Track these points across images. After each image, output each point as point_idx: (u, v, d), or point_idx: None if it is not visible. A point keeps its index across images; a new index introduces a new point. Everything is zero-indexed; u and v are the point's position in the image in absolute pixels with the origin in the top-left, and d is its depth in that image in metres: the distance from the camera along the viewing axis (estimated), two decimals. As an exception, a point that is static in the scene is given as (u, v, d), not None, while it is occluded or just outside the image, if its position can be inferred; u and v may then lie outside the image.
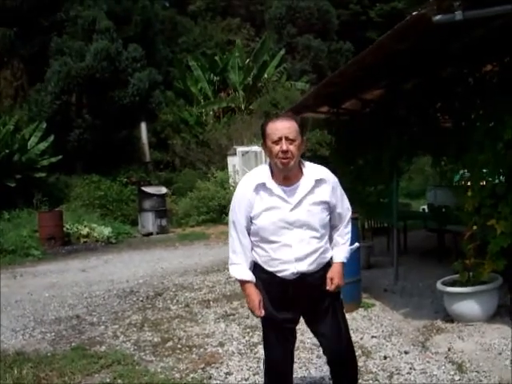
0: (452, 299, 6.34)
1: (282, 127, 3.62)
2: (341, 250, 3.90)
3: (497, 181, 6.54)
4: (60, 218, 16.51)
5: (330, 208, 3.79)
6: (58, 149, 22.59)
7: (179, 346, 6.40)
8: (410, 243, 11.32)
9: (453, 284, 6.40)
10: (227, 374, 5.43)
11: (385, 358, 5.51)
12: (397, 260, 8.77)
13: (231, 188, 20.35)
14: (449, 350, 5.53)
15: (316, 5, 35.24)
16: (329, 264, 3.86)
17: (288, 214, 3.65)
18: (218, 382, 5.25)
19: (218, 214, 19.77)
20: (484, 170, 6.54)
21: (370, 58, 6.71)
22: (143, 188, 19.35)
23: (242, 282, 3.81)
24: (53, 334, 7.28)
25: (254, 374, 5.34)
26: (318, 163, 3.83)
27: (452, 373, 4.96)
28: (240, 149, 21.73)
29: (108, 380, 5.43)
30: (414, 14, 5.14)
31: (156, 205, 18.74)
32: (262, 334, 4.03)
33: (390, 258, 9.22)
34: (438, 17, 4.96)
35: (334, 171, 3.90)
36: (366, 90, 9.50)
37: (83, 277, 11.29)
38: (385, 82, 8.84)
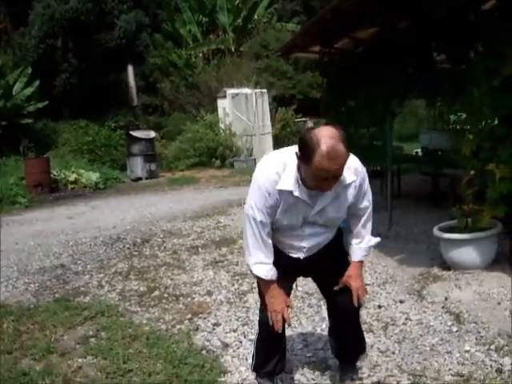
0: (449, 246, 6.09)
1: (333, 167, 3.03)
2: (359, 248, 3.60)
3: (496, 122, 6.24)
4: (47, 165, 16.13)
5: (351, 205, 3.46)
6: (44, 94, 22.05)
7: (166, 295, 6.18)
8: (403, 187, 11.05)
9: (450, 230, 6.15)
10: (215, 324, 5.21)
11: (379, 307, 5.31)
12: (391, 204, 8.55)
13: (221, 131, 20.10)
14: (446, 299, 5.31)
15: None
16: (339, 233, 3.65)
17: (309, 216, 3.37)
18: (206, 333, 5.03)
19: (208, 157, 19.54)
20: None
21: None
22: (131, 132, 18.96)
23: (268, 282, 3.48)
24: (36, 284, 7.03)
25: (242, 325, 5.13)
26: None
27: (449, 323, 4.75)
28: (230, 91, 21.30)
29: (91, 333, 5.20)
30: None
31: (145, 149, 18.39)
32: (258, 290, 3.72)
33: (384, 202, 8.98)
34: None
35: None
36: (358, 28, 9.12)
37: (69, 224, 11.03)
38: (379, 20, 8.45)
